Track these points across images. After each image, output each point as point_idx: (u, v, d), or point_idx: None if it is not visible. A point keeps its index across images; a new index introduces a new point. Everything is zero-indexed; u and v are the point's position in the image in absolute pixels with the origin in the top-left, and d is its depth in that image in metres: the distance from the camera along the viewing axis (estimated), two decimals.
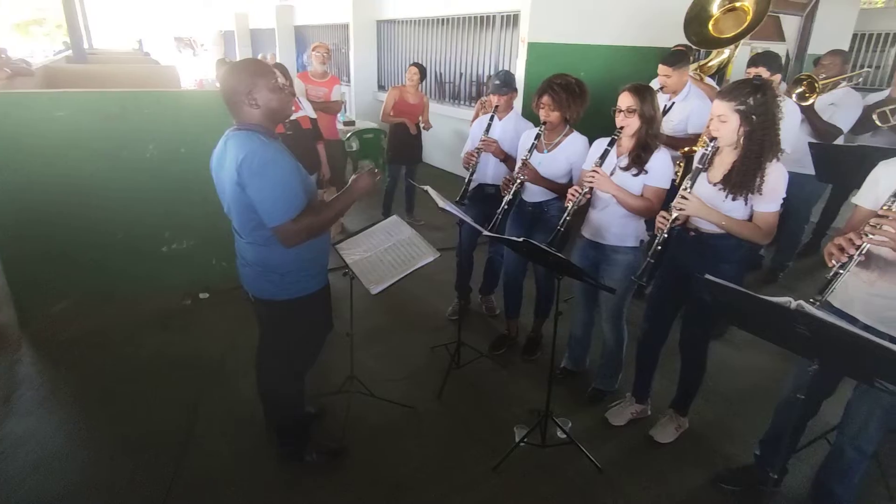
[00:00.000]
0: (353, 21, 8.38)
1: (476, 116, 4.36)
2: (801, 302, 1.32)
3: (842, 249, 1.60)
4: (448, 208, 2.48)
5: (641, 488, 2.30)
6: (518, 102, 5.17)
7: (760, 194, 2.02)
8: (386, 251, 2.23)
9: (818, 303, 1.55)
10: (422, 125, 5.12)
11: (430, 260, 2.15)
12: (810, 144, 3.46)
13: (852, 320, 1.81)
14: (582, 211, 2.53)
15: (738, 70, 5.98)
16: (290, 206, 1.81)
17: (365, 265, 2.21)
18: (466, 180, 3.08)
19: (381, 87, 8.78)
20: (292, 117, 3.80)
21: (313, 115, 4.01)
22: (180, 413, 2.63)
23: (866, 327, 1.77)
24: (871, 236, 1.55)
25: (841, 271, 1.59)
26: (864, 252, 1.58)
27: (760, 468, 2.23)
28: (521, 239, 2.05)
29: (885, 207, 1.58)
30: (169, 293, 3.64)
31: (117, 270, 3.48)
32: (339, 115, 6.93)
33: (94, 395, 2.76)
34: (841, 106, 3.79)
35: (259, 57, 10.58)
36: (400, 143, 5.00)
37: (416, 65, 4.94)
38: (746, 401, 2.86)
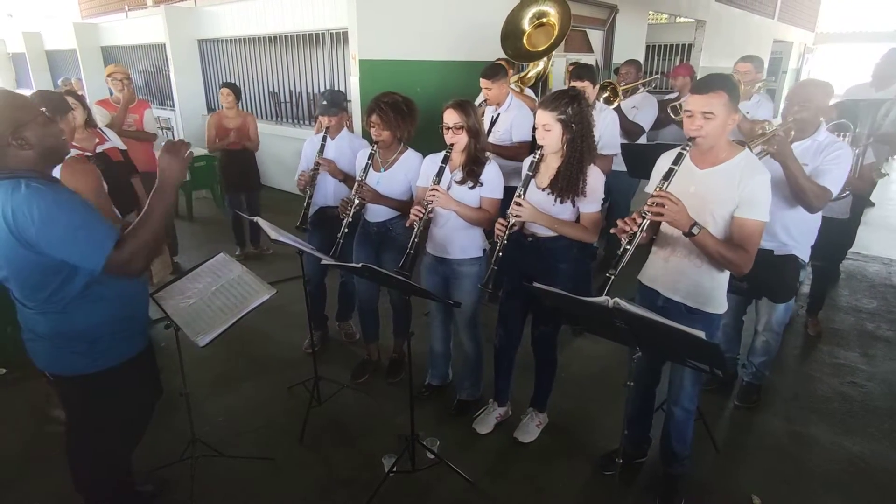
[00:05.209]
0: (169, 41, 7.66)
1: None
2: (617, 299, 1.42)
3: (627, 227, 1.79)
4: (282, 239, 2.31)
5: (513, 492, 2.33)
6: (356, 119, 5.12)
7: (585, 196, 2.18)
8: (213, 295, 1.99)
9: (613, 276, 1.71)
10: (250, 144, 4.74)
11: (265, 299, 1.96)
12: (622, 146, 3.86)
13: (654, 294, 2.03)
14: (426, 227, 2.52)
15: (557, 81, 6.57)
16: (104, 236, 1.53)
17: (190, 314, 1.95)
18: (305, 204, 2.93)
19: (212, 110, 8.14)
20: (98, 150, 3.30)
21: (122, 146, 3.53)
22: None
23: (666, 300, 2.01)
24: (649, 214, 1.75)
25: (629, 247, 1.78)
26: (644, 228, 1.76)
27: (628, 446, 2.37)
28: (360, 265, 1.96)
29: (657, 189, 1.79)
30: None
31: None
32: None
33: None
34: (641, 108, 4.35)
35: (60, 82, 9.21)
36: (234, 170, 4.61)
37: (227, 85, 4.61)
38: (598, 386, 3.05)
